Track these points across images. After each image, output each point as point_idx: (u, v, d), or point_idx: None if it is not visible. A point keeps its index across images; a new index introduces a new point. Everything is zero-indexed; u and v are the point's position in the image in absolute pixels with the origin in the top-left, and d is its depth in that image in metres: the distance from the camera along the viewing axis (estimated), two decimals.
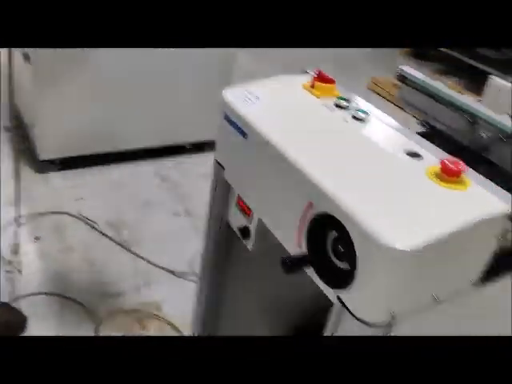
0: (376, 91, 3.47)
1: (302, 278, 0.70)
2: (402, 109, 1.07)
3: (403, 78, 1.03)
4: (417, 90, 1.01)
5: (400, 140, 0.74)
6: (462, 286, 0.66)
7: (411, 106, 1.05)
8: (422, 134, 0.95)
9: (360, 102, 0.81)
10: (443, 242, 0.56)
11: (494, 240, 0.63)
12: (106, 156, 2.17)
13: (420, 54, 4.39)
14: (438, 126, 0.99)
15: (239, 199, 0.86)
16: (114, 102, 2.04)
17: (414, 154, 0.70)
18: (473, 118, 0.91)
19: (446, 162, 0.64)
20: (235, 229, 0.89)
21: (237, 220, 0.89)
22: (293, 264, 0.64)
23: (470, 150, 0.93)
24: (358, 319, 0.60)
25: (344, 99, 0.79)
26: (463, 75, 3.97)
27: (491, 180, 0.67)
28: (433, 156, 0.69)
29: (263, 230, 0.83)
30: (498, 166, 0.89)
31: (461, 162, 0.64)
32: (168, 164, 2.29)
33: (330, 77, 0.83)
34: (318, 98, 0.81)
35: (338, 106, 0.79)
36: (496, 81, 1.17)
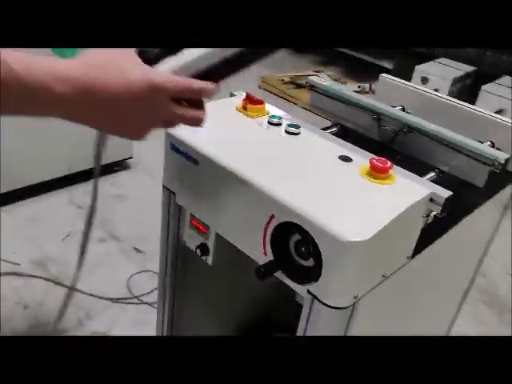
0: (267, 89, 3.64)
1: (264, 285, 0.80)
2: (317, 114, 1.20)
3: (312, 87, 1.16)
4: (325, 95, 1.14)
5: (331, 147, 0.85)
6: (401, 262, 0.79)
7: (322, 110, 1.18)
8: (336, 134, 1.08)
9: (289, 118, 0.92)
10: (387, 228, 0.68)
11: (421, 219, 0.77)
12: (16, 192, 2.08)
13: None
14: (349, 125, 1.13)
15: (193, 219, 0.93)
16: (12, 135, 1.95)
17: (345, 158, 0.82)
18: (376, 115, 1.06)
19: (374, 162, 0.76)
20: (192, 248, 0.96)
21: (193, 239, 0.95)
22: (266, 271, 0.73)
23: (379, 142, 1.09)
24: (328, 306, 0.71)
25: (276, 117, 0.89)
26: (341, 64, 4.29)
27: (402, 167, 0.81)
28: (361, 157, 0.82)
29: (222, 245, 0.91)
30: (404, 153, 1.05)
31: (387, 160, 0.77)
32: (80, 190, 2.25)
33: (259, 98, 0.92)
34: (252, 118, 0.90)
35: (271, 123, 0.89)
36: (386, 78, 1.34)
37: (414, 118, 1.03)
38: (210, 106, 0.69)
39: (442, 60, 2.95)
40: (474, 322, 1.85)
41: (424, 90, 1.28)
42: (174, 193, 0.91)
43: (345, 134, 1.16)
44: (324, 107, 1.16)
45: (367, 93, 3.23)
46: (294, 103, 3.41)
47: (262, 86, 3.68)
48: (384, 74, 1.35)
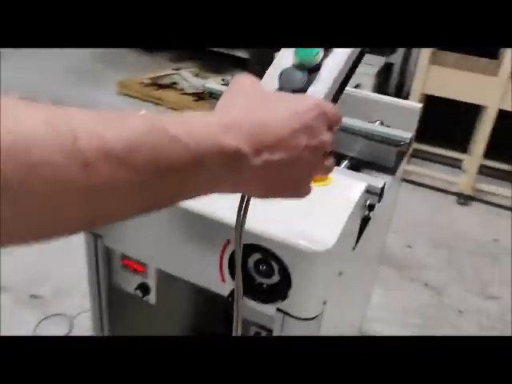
0: (128, 94, 3.48)
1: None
2: None
3: (211, 94, 1.13)
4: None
5: None
6: (349, 254, 0.81)
7: None
8: None
9: None
10: (344, 231, 0.69)
11: (361, 211, 0.80)
12: None
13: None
14: None
15: (126, 260, 0.85)
16: None
17: None
18: None
19: None
20: (129, 289, 0.88)
21: (129, 280, 0.87)
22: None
23: None
24: (302, 319, 0.70)
25: None
26: (198, 58, 4.27)
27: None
28: None
29: (165, 280, 0.85)
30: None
31: None
32: None
33: None
34: None
35: None
36: None
37: None
38: None
39: None
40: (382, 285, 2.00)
41: None
42: (100, 236, 0.82)
43: None
44: None
45: None
46: (161, 105, 3.32)
47: (120, 91, 3.51)
48: None
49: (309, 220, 0.70)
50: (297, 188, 0.49)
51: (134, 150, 0.33)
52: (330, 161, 0.51)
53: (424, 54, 2.36)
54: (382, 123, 1.27)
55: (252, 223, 0.67)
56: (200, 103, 3.27)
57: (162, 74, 3.47)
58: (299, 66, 0.53)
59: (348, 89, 1.32)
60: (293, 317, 0.70)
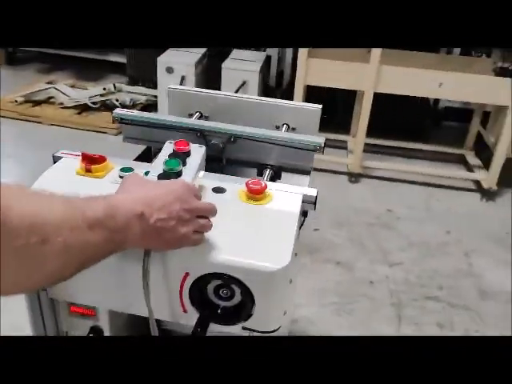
0: (5, 116, 3.20)
1: None
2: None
3: (121, 120, 1.10)
4: (139, 125, 1.10)
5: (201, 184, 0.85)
6: (294, 260, 0.87)
7: (137, 140, 1.14)
8: None
9: (139, 165, 0.87)
10: (294, 244, 0.74)
11: (299, 220, 0.85)
12: None
13: (14, 59, 4.19)
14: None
15: (72, 307, 0.82)
16: None
17: (219, 190, 0.83)
18: (200, 132, 1.09)
19: (251, 186, 0.80)
20: (80, 334, 0.85)
21: (78, 326, 0.84)
22: (202, 329, 0.71)
23: (210, 156, 1.12)
24: (268, 332, 0.74)
25: (127, 169, 0.84)
26: (68, 67, 4.04)
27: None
28: (230, 184, 0.85)
29: (119, 319, 0.84)
30: (236, 160, 1.12)
31: (259, 181, 0.82)
32: None
33: (98, 154, 0.85)
34: (102, 178, 0.83)
35: (121, 177, 0.83)
36: (176, 89, 1.36)
37: (237, 127, 1.09)
38: (46, 180, 0.64)
39: None
40: None
41: (214, 93, 1.36)
42: (43, 289, 0.79)
43: None
44: (141, 136, 1.13)
45: (113, 93, 3.15)
46: (40, 122, 3.10)
47: None
48: (173, 86, 1.36)
49: (261, 240, 0.74)
50: (183, 239, 0.66)
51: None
52: (204, 220, 0.69)
53: (302, 49, 2.49)
54: (288, 126, 1.34)
55: (209, 252, 0.70)
56: (83, 116, 3.12)
57: (36, 90, 3.24)
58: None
59: (254, 97, 1.38)
60: (259, 332, 0.74)
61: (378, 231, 2.43)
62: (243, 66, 2.77)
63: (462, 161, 3.11)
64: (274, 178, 1.09)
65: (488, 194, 2.74)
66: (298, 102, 1.33)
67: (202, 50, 3.03)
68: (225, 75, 2.75)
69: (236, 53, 3.00)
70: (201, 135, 1.09)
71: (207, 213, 0.70)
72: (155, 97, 3.23)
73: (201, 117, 1.37)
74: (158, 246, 0.67)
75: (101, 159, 0.84)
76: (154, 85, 3.31)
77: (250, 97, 1.35)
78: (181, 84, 2.77)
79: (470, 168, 2.97)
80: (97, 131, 3.05)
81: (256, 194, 0.80)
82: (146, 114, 1.11)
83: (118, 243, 0.60)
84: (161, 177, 0.74)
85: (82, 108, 3.14)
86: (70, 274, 0.55)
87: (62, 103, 3.16)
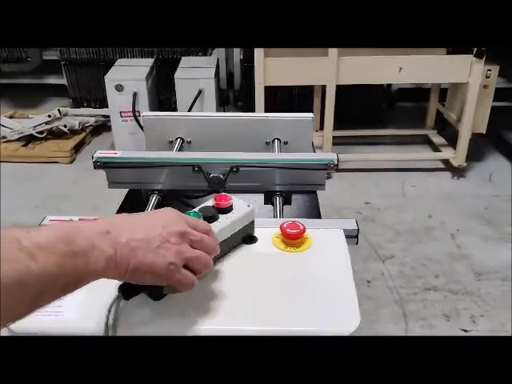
0: None
1: None
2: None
3: (104, 164, 0.96)
4: (126, 167, 0.96)
5: None
6: None
7: (124, 184, 1.00)
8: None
9: None
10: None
11: None
12: None
13: None
14: (165, 186, 0.99)
15: None
16: None
17: (249, 239, 0.71)
18: (197, 166, 0.96)
19: (288, 231, 0.69)
20: None
21: None
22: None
23: (209, 191, 1.00)
24: None
25: None
26: (1, 97, 3.74)
27: None
28: (261, 229, 0.73)
29: None
30: (239, 190, 1.00)
31: (296, 223, 0.70)
32: None
33: None
34: None
35: None
36: (150, 115, 1.22)
37: (239, 154, 0.98)
38: None
39: (120, 61, 2.89)
40: None
41: (195, 116, 1.23)
42: None
43: (168, 200, 1.03)
44: (130, 180, 0.99)
45: (59, 118, 2.93)
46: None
47: None
48: (145, 113, 1.22)
49: (319, 298, 0.62)
50: (171, 269, 0.54)
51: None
52: (200, 253, 0.57)
53: (258, 49, 2.39)
54: (279, 140, 1.24)
55: (263, 322, 0.58)
56: (30, 148, 2.88)
57: None
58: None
59: (239, 114, 1.27)
60: None
61: (363, 226, 2.36)
62: (197, 73, 2.63)
63: (426, 141, 3.12)
64: (284, 203, 0.99)
65: (458, 172, 2.76)
66: (287, 114, 1.22)
67: (150, 62, 2.87)
68: (179, 86, 2.61)
69: (185, 60, 2.85)
70: (199, 169, 0.96)
71: (203, 241, 0.57)
72: (105, 116, 3.04)
73: (183, 143, 1.25)
74: (140, 275, 0.53)
75: None
76: (101, 103, 3.11)
77: (234, 114, 1.24)
78: (133, 101, 2.60)
79: (436, 148, 2.98)
80: (47, 162, 2.83)
81: (294, 240, 0.69)
82: (132, 154, 0.97)
83: (82, 269, 0.48)
84: None
85: (28, 139, 2.91)
86: (24, 311, 0.47)
87: (4, 137, 2.90)
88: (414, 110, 3.45)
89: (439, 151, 2.90)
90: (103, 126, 3.12)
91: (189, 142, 1.25)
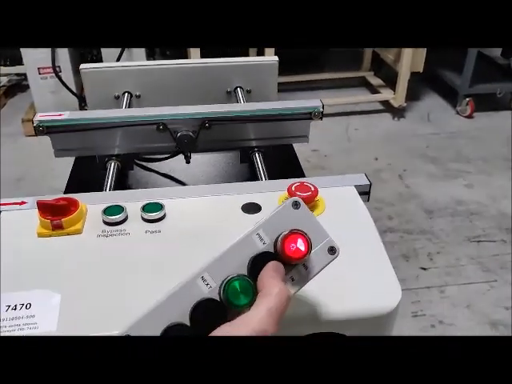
0: None
1: None
2: None
3: (48, 129, 0.79)
4: (76, 130, 0.80)
5: (230, 201, 0.61)
6: None
7: (75, 151, 0.84)
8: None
9: (130, 206, 0.60)
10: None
11: None
12: None
13: None
14: (121, 151, 0.84)
15: None
16: None
17: (249, 208, 0.60)
18: (162, 124, 0.82)
19: (299, 194, 0.59)
20: None
21: None
22: None
23: (178, 151, 0.86)
24: None
25: (115, 209, 0.57)
26: None
27: None
28: (264, 194, 0.62)
29: None
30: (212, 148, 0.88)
31: (306, 184, 0.60)
32: None
33: (63, 197, 0.56)
34: (80, 233, 0.55)
35: (111, 223, 0.57)
36: (88, 67, 1.04)
37: (210, 108, 0.84)
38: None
39: None
40: None
41: (145, 65, 1.06)
42: None
43: (128, 166, 0.88)
44: (79, 145, 0.83)
45: None
46: None
47: None
48: (84, 65, 1.04)
49: (348, 270, 0.53)
50: None
51: None
52: None
53: None
54: (242, 89, 1.11)
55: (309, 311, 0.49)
56: None
57: None
58: None
59: (195, 61, 1.11)
60: None
61: (313, 174, 2.33)
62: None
63: (363, 83, 3.08)
64: (264, 160, 0.88)
65: (398, 112, 2.76)
66: (249, 58, 1.09)
67: None
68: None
69: None
70: (164, 127, 0.82)
71: None
72: (19, 75, 2.71)
73: (131, 98, 1.09)
74: None
75: (71, 204, 0.56)
76: (12, 61, 2.76)
77: (189, 62, 1.09)
78: (53, 55, 2.30)
79: (374, 89, 2.96)
80: None
81: (307, 204, 0.59)
82: (82, 114, 0.80)
83: None
84: None
85: None
86: None
87: None
88: (349, 52, 3.39)
89: (378, 93, 2.88)
90: (18, 86, 2.78)
91: (138, 96, 1.09)
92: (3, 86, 2.67)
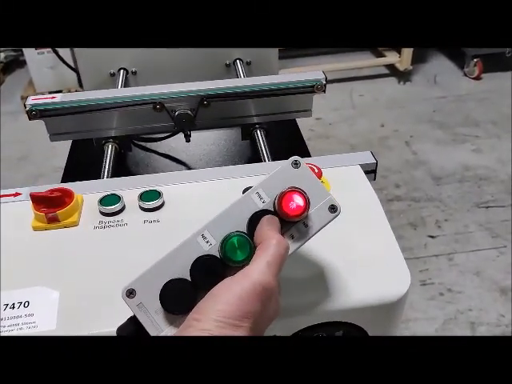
0: None
1: None
2: None
3: (42, 112, 0.76)
4: (70, 113, 0.77)
5: (212, 192, 0.59)
6: None
7: (71, 135, 0.81)
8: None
9: (128, 195, 0.58)
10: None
11: None
12: None
13: None
14: (118, 133, 0.82)
15: None
16: None
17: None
18: (159, 103, 0.79)
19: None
20: None
21: None
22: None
23: (176, 131, 0.84)
24: None
25: (111, 199, 0.55)
26: None
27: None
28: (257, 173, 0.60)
29: None
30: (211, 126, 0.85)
31: (311, 164, 0.57)
32: None
33: (57, 188, 0.54)
34: (76, 225, 0.54)
35: (108, 214, 0.55)
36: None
37: (207, 84, 0.80)
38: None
39: None
40: None
41: None
42: None
43: (126, 147, 0.85)
44: (75, 129, 0.80)
45: None
46: None
47: None
48: None
49: (356, 256, 0.52)
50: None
51: None
52: None
53: None
54: (241, 61, 1.08)
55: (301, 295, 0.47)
56: None
57: None
58: None
59: None
60: None
61: (317, 143, 2.29)
62: None
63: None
64: (266, 136, 0.85)
65: (404, 76, 2.69)
66: None
67: None
68: None
69: None
70: (161, 106, 0.79)
71: None
72: (15, 50, 2.65)
73: (127, 74, 1.05)
74: None
75: (66, 195, 0.54)
76: None
77: None
78: None
79: (379, 53, 2.88)
80: None
81: None
82: (75, 96, 0.77)
83: None
84: None
85: None
86: None
87: None
88: None
89: (383, 56, 2.80)
90: (15, 62, 2.73)
91: (134, 73, 1.06)
92: (0, 62, 2.62)
